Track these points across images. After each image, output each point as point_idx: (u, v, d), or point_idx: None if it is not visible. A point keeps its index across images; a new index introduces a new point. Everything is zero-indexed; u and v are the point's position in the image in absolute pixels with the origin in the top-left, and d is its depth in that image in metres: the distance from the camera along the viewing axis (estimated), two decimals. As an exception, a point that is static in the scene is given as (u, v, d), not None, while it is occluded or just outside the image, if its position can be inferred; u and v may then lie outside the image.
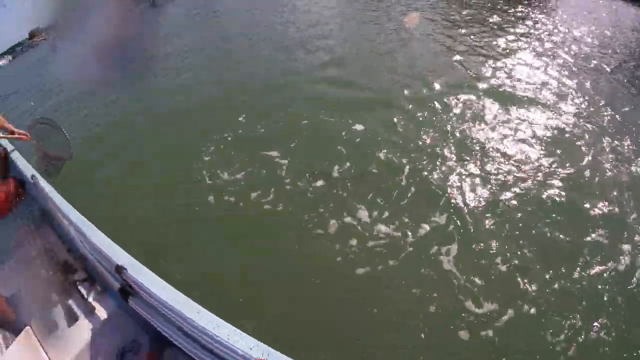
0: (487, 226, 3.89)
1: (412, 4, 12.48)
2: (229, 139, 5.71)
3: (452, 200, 4.20)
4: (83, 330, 1.89)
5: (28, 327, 2.02)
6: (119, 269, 1.69)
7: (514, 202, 4.17)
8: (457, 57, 7.94)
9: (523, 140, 5.15)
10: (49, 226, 2.51)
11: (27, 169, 2.90)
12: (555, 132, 5.35)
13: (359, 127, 5.68)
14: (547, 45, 8.61)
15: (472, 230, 3.83)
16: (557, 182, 4.43)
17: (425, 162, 4.80)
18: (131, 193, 4.95)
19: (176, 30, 14.22)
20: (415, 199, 4.26)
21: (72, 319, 1.92)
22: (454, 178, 4.54)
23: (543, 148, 5.00)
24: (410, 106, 6.13)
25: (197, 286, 3.20)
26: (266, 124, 6.01)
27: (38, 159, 4.09)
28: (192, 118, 6.59)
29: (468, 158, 4.84)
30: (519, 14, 10.95)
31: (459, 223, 3.92)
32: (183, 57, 10.38)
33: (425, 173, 4.63)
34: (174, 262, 3.73)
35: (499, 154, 4.88)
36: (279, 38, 10.51)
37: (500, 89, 6.52)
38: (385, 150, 5.08)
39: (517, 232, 3.81)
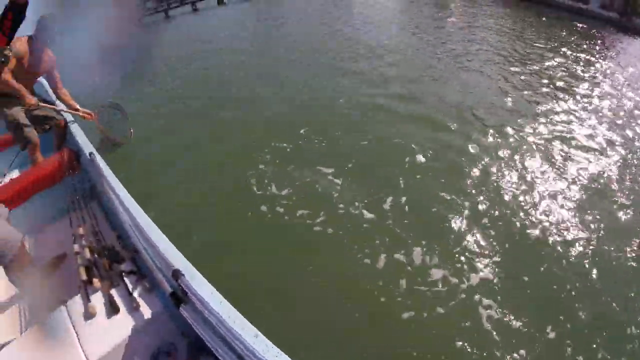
0: (538, 287, 3.61)
1: (473, 39, 12.31)
2: (288, 150, 5.61)
3: (506, 253, 3.95)
4: (123, 325, 1.80)
5: (63, 307, 1.95)
6: (176, 274, 1.60)
7: (568, 264, 3.90)
8: (510, 97, 7.74)
9: (573, 194, 4.92)
10: (100, 207, 2.46)
11: (85, 144, 2.88)
12: (603, 186, 5.13)
13: (420, 158, 5.45)
14: (603, 93, 8.35)
15: (526, 289, 3.57)
16: (609, 245, 4.17)
17: (483, 207, 4.56)
18: (181, 195, 4.78)
19: (239, 34, 14.32)
20: (471, 245, 4.01)
21: (113, 310, 1.83)
22: (510, 227, 4.30)
23: (591, 205, 4.75)
24: (467, 141, 5.96)
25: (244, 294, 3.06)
26: (324, 138, 5.89)
27: (101, 139, 4.20)
28: (254, 126, 6.49)
29: (523, 207, 4.60)
30: (579, 59, 10.66)
31: (510, 278, 3.67)
32: (246, 65, 10.25)
33: (483, 219, 4.38)
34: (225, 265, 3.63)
35: (551, 206, 4.66)
36: (343, 52, 10.51)
37: (553, 134, 6.31)
38: (444, 188, 4.84)
39: (573, 297, 3.54)
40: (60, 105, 3.77)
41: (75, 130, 3.32)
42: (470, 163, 5.38)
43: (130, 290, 1.88)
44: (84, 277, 1.92)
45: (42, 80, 4.22)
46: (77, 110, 3.95)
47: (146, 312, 1.82)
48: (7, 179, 4.11)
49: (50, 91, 3.97)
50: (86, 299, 1.89)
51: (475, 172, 5.19)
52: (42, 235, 3.09)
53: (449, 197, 4.66)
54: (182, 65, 10.18)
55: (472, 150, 5.72)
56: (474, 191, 4.82)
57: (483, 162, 5.40)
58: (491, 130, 6.28)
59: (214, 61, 10.31)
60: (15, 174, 4.33)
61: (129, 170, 4.93)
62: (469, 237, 4.10)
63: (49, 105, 3.71)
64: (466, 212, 4.46)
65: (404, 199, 4.61)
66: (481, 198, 4.69)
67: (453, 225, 4.26)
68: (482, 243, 4.05)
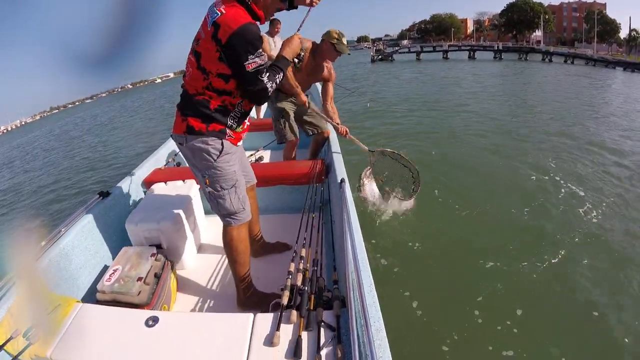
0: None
1: None
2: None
3: None
4: None
5: (251, 314, 1.74)
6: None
7: None
8: None
9: None
10: (329, 233, 2.27)
11: (339, 166, 2.82)
12: None
13: None
14: None
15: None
16: None
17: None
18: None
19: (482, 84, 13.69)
20: None
21: (294, 355, 1.50)
22: None
23: None
24: None
25: None
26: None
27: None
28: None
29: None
30: None
31: None
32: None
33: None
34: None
35: None
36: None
37: None
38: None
39: None
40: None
41: (334, 145, 3.38)
42: None
43: (321, 345, 1.52)
44: (284, 301, 1.69)
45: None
46: (338, 123, 3.66)
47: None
48: (258, 154, 4.58)
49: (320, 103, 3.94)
50: (275, 325, 1.63)
51: None
52: (272, 220, 3.15)
53: None
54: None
55: None
56: None
57: None
58: None
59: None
60: (267, 154, 4.80)
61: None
62: None
63: (318, 112, 3.66)
64: None
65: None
66: None
67: None
68: None
